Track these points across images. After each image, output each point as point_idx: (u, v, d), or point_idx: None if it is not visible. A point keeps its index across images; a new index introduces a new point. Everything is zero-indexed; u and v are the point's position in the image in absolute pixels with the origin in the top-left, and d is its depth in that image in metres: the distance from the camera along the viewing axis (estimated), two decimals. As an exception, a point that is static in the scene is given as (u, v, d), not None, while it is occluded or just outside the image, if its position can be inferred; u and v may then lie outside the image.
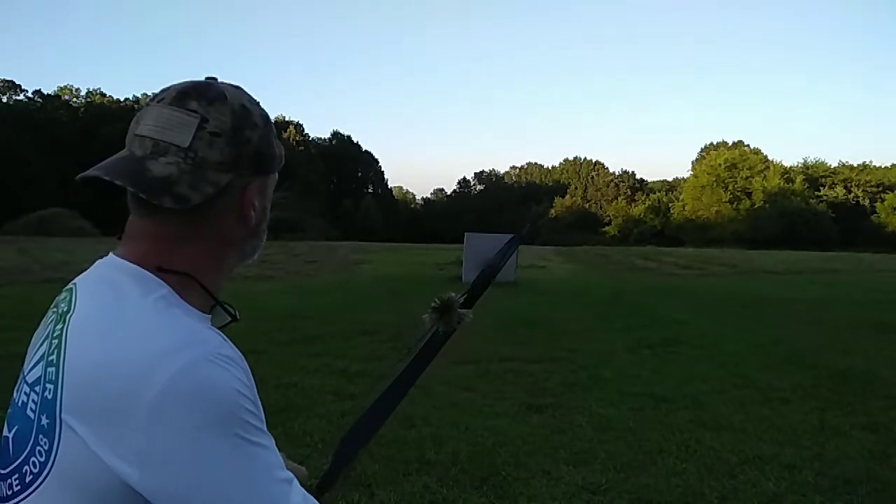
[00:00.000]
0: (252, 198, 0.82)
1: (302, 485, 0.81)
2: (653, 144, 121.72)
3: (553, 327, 8.40)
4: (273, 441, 0.74)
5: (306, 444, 3.76)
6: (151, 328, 0.71)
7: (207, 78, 0.82)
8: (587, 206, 70.30)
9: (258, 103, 0.84)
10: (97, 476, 0.67)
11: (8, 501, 0.73)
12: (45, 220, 31.51)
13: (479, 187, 77.51)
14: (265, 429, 0.73)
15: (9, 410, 0.78)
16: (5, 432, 0.76)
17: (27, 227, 29.95)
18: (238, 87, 0.83)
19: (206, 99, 0.77)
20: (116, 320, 0.72)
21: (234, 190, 0.80)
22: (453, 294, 1.22)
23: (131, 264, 0.77)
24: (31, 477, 0.70)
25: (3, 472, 0.75)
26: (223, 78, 0.85)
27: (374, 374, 5.48)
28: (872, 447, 3.99)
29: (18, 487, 0.71)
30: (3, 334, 6.16)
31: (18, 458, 0.72)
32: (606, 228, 64.13)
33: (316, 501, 0.77)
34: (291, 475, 0.74)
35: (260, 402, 0.73)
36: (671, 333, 7.93)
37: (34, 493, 0.70)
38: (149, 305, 0.73)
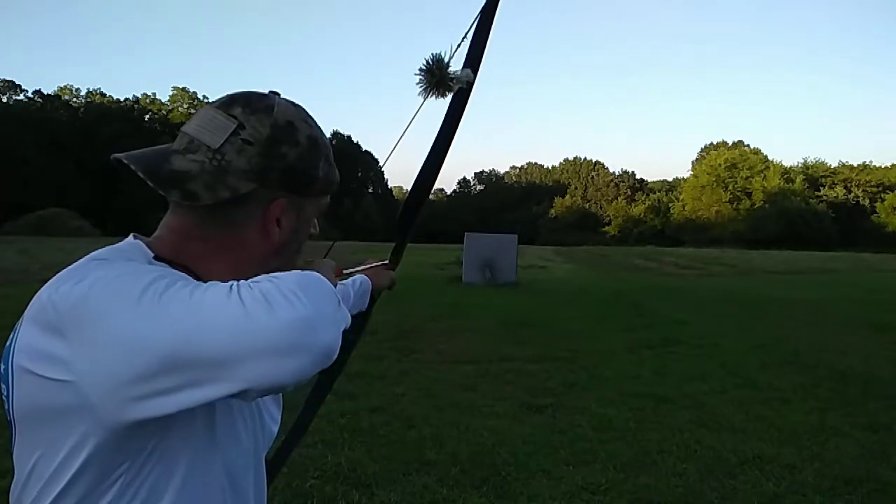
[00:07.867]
0: (277, 214, 0.82)
1: (328, 274, 0.80)
2: (653, 144, 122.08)
3: (553, 327, 8.39)
4: (184, 283, 0.68)
5: (306, 443, 3.75)
6: (90, 267, 0.72)
7: (271, 91, 0.83)
8: (587, 206, 70.35)
9: (312, 125, 0.84)
10: (49, 400, 0.68)
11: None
12: (45, 220, 31.51)
13: (479, 187, 77.58)
14: (168, 284, 0.68)
15: None
16: None
17: (27, 227, 29.95)
18: (297, 106, 0.84)
19: (251, 108, 0.79)
20: (70, 270, 0.74)
21: (259, 202, 0.80)
22: (439, 53, 1.09)
23: (132, 240, 0.80)
24: (11, 427, 0.75)
25: None
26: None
27: (374, 374, 5.47)
28: (872, 447, 3.99)
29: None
30: (2, 334, 6.06)
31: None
32: (606, 228, 64.22)
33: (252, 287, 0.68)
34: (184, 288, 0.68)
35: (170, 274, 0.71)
36: (671, 333, 7.92)
37: (15, 441, 0.74)
38: (108, 258, 0.75)
